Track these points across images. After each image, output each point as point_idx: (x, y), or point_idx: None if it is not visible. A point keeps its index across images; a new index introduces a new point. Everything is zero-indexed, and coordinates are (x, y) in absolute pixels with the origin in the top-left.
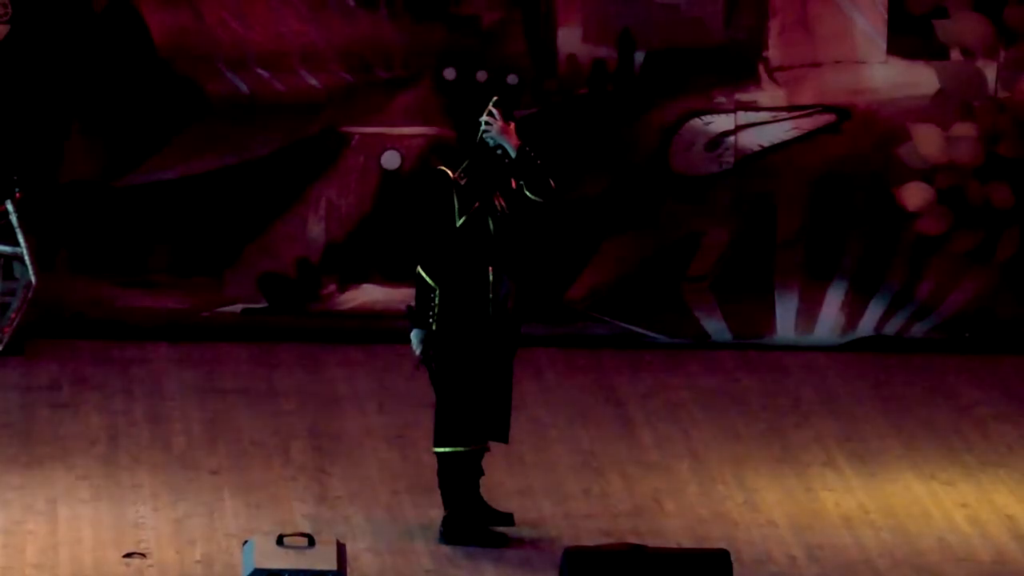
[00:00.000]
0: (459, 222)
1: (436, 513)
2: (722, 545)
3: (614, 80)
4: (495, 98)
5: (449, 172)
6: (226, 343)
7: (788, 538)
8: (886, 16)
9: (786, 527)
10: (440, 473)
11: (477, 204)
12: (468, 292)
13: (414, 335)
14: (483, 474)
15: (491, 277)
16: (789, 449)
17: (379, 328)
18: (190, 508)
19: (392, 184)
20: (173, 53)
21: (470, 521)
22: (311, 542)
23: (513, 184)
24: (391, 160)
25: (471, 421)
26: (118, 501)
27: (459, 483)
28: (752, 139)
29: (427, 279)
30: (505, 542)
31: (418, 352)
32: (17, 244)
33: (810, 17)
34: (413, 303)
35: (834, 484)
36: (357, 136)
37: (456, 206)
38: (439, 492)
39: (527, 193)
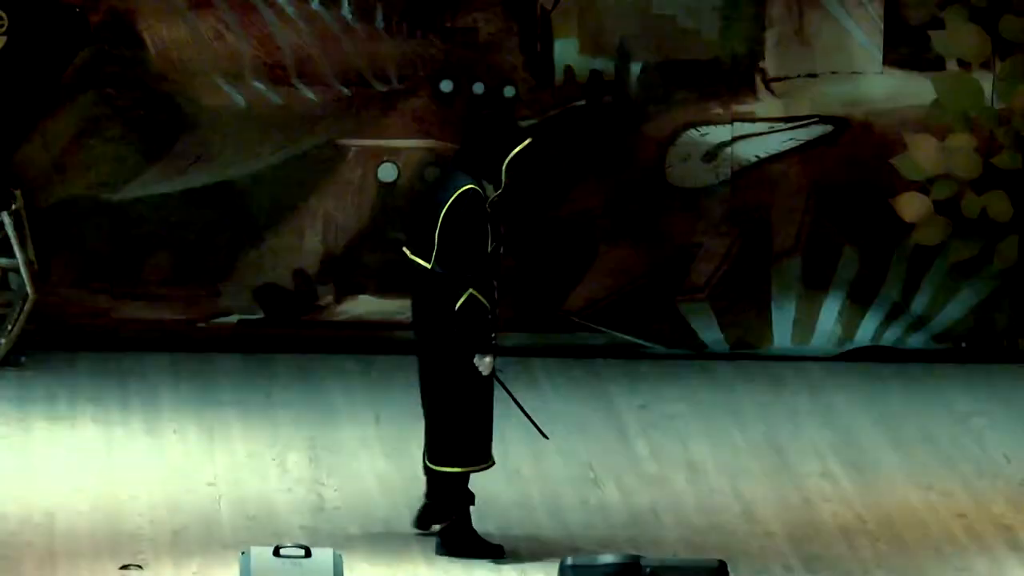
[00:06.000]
0: (490, 247)
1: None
2: (719, 556)
3: (611, 91)
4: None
5: (479, 190)
6: (222, 354)
7: (785, 548)
8: (882, 27)
9: (783, 537)
10: (441, 488)
11: (502, 230)
12: (491, 314)
13: (486, 361)
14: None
15: (496, 297)
16: (786, 460)
17: (376, 339)
18: (187, 519)
19: (389, 196)
20: (169, 66)
21: (468, 532)
22: (308, 553)
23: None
24: (388, 172)
25: (483, 440)
26: (115, 513)
27: (459, 496)
28: (749, 150)
29: (482, 300)
30: (502, 553)
31: (488, 372)
32: (13, 256)
33: (806, 28)
34: (465, 331)
35: (831, 494)
36: (354, 149)
37: (489, 231)
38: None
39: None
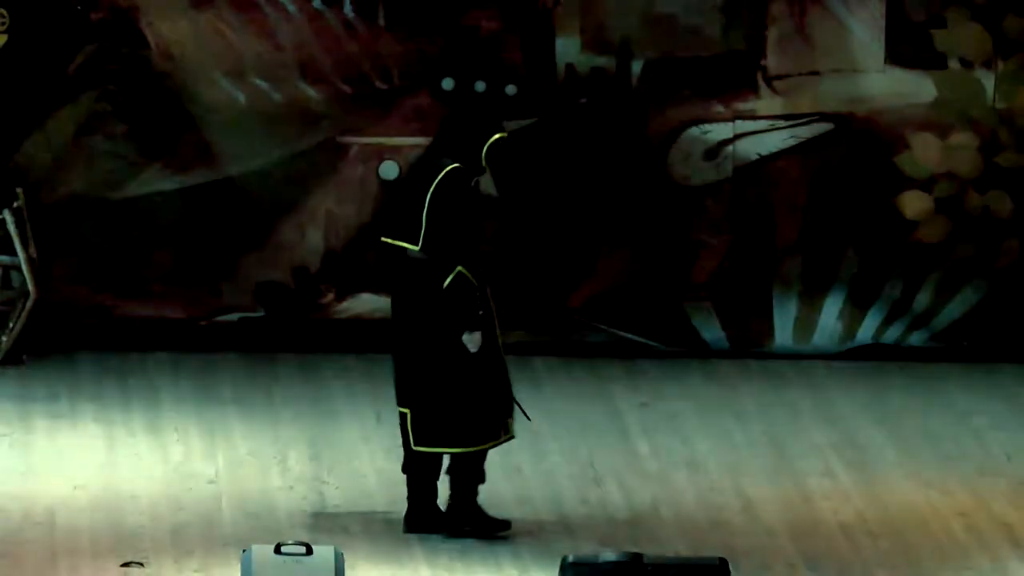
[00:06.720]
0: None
1: None
2: (720, 554)
3: (612, 89)
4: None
5: (464, 170)
6: (224, 352)
7: (786, 546)
8: (884, 25)
9: (784, 536)
10: (467, 479)
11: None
12: (479, 291)
13: (475, 337)
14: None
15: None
16: (787, 458)
17: (377, 337)
18: (188, 517)
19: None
20: (170, 63)
21: (473, 509)
22: (309, 551)
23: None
24: (389, 170)
25: (496, 414)
26: (116, 511)
27: (471, 476)
28: (750, 148)
29: (471, 278)
30: (508, 526)
31: (476, 349)
32: (15, 254)
33: (808, 26)
34: (454, 308)
35: (832, 493)
36: (355, 146)
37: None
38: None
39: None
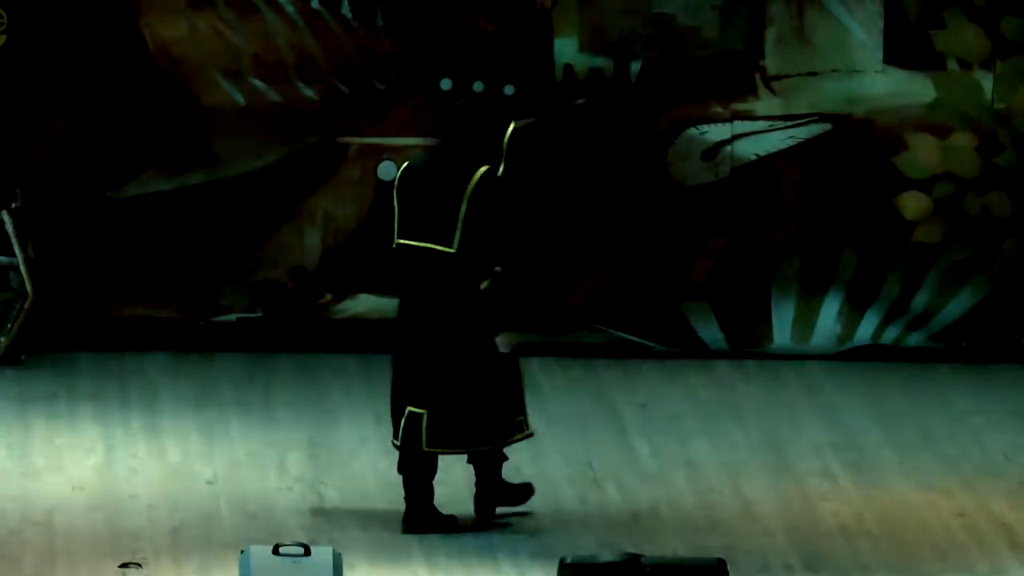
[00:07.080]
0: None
1: None
2: (719, 555)
3: (611, 90)
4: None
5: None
6: (222, 353)
7: (785, 547)
8: (882, 26)
9: (783, 537)
10: (492, 464)
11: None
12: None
13: (509, 338)
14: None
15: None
16: (785, 459)
17: (375, 338)
18: (186, 518)
19: (388, 194)
20: (168, 64)
21: (498, 485)
22: (307, 552)
23: None
24: (387, 170)
25: (511, 414)
26: (114, 511)
27: (493, 459)
28: (748, 148)
29: (507, 278)
30: (532, 490)
31: (509, 349)
32: (13, 255)
33: (806, 26)
34: (495, 308)
35: (831, 494)
36: (353, 147)
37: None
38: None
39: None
